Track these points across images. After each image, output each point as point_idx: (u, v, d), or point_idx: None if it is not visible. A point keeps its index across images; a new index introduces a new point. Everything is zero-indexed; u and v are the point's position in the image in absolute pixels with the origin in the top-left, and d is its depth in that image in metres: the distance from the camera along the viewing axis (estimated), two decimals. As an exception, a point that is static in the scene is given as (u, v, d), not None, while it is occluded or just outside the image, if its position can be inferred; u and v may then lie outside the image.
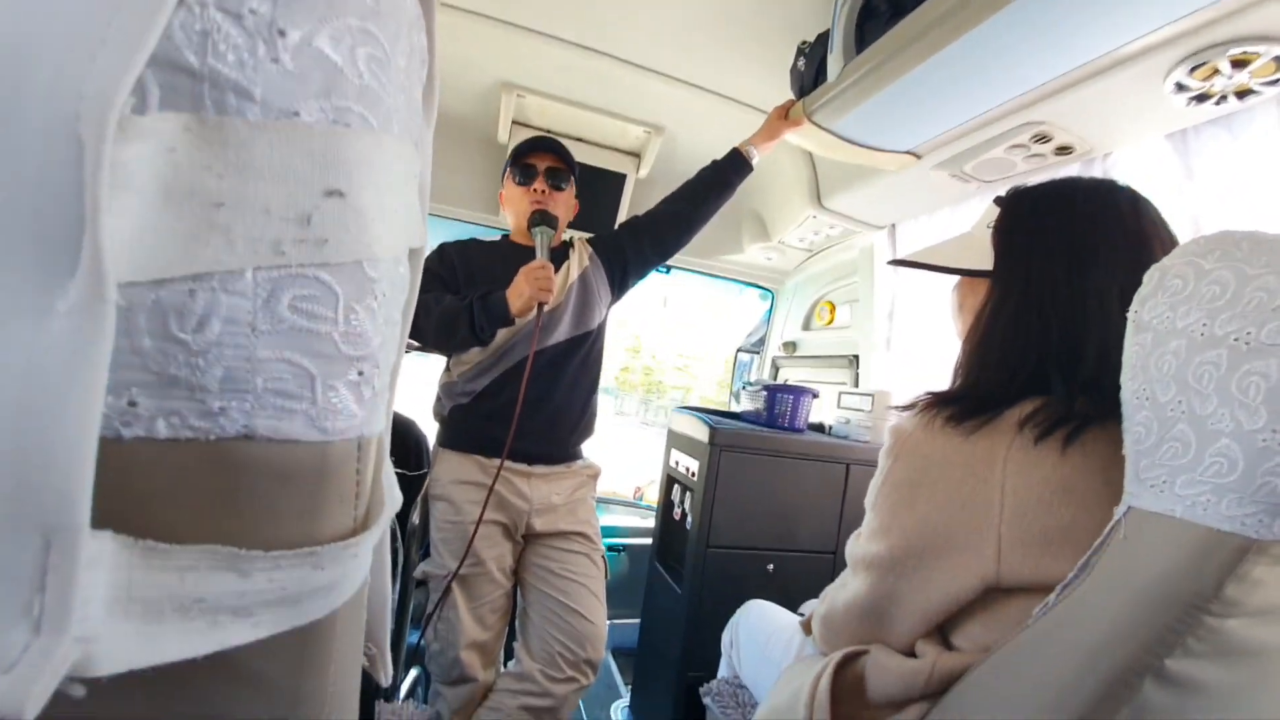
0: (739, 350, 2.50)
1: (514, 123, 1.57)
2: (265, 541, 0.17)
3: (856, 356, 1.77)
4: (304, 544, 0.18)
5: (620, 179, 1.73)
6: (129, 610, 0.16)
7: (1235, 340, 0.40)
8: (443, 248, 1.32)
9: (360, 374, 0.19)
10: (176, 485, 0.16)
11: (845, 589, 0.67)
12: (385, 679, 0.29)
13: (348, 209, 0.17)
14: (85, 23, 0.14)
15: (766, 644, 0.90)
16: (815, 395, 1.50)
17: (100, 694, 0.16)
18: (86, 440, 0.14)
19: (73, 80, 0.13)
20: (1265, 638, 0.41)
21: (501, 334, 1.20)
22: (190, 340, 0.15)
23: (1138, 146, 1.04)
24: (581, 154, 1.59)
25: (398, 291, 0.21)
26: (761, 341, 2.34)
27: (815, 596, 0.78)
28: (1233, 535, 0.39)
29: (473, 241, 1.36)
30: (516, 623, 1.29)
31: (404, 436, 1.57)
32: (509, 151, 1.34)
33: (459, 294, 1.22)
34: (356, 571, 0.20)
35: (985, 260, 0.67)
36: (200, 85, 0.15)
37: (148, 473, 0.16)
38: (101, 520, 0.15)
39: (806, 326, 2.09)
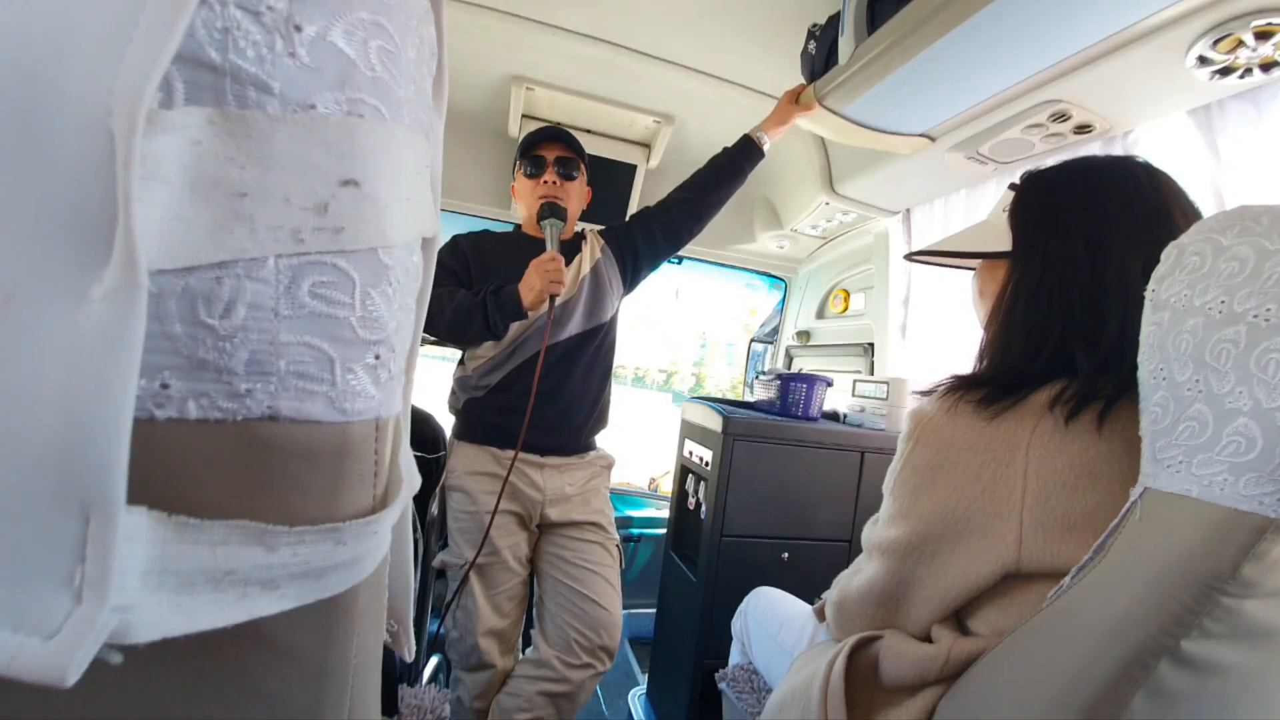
0: (752, 340, 2.49)
1: (524, 116, 1.58)
2: (290, 518, 0.18)
3: (871, 344, 1.76)
4: (326, 520, 0.19)
5: (631, 170, 1.73)
6: (163, 582, 0.17)
7: (1254, 317, 0.39)
8: (455, 240, 1.33)
9: (377, 357, 0.19)
10: (207, 464, 0.17)
11: (860, 574, 0.67)
12: (409, 654, 0.30)
13: (363, 198, 0.18)
14: (114, 22, 0.14)
15: (778, 631, 0.91)
16: (829, 383, 1.49)
17: (138, 662, 0.17)
18: (123, 419, 0.15)
19: (103, 77, 0.14)
20: (1284, 618, 0.40)
21: (515, 328, 1.21)
22: (218, 325, 0.16)
23: (1160, 123, 1.02)
24: (591, 145, 1.59)
25: (411, 279, 0.22)
26: (775, 331, 2.33)
27: (830, 587, 0.78)
28: (1250, 515, 0.38)
29: (485, 233, 1.37)
30: (534, 610, 1.31)
31: (422, 428, 1.60)
32: (518, 144, 1.34)
33: (472, 287, 1.23)
34: (377, 548, 0.21)
35: (1003, 245, 0.67)
36: (222, 80, 0.15)
37: (180, 452, 0.17)
38: (137, 496, 0.16)
39: (820, 315, 2.08)
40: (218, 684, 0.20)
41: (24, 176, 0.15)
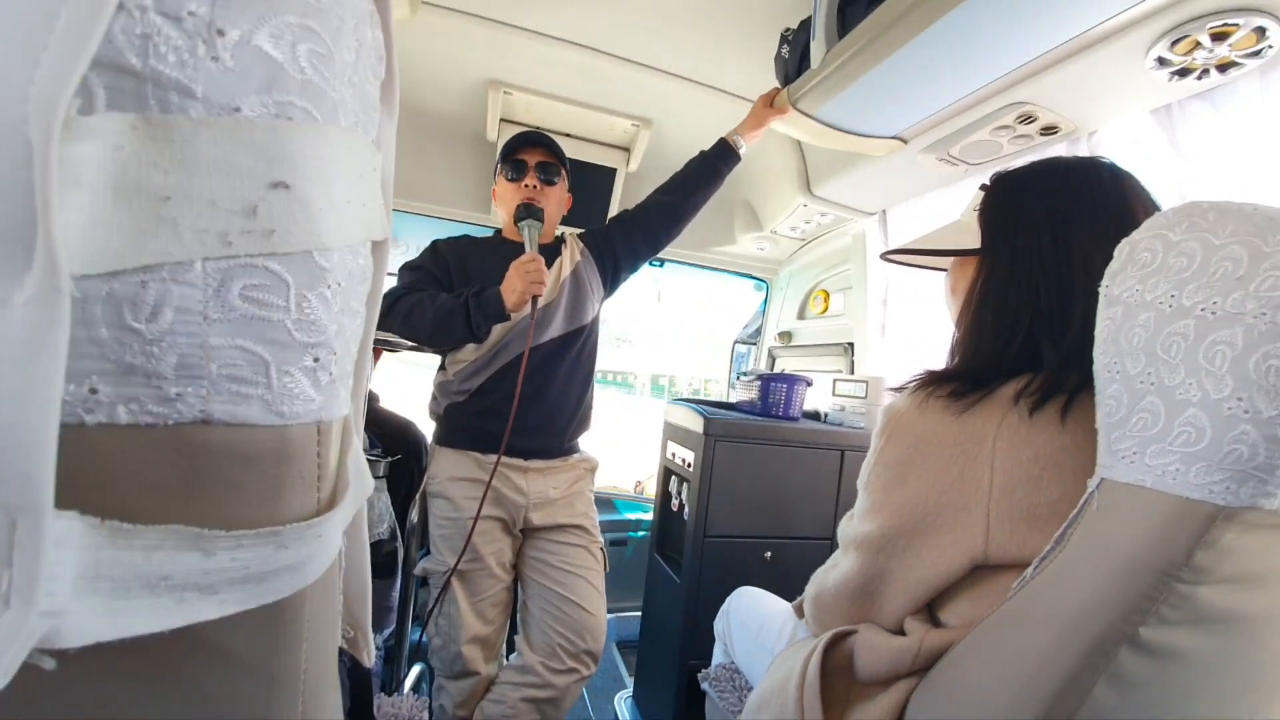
0: (736, 342, 2.50)
1: (502, 120, 1.58)
2: (227, 522, 0.18)
3: (851, 344, 1.78)
4: (266, 524, 0.19)
5: (610, 174, 1.73)
6: (96, 587, 0.17)
7: (1202, 310, 0.40)
8: (435, 245, 1.32)
9: (316, 360, 0.19)
10: (139, 469, 0.17)
11: (836, 569, 0.67)
12: (368, 660, 0.30)
13: (294, 200, 0.18)
14: (27, 30, 0.14)
15: (759, 631, 0.91)
16: (809, 383, 1.51)
17: (74, 668, 0.17)
18: (48, 424, 0.15)
19: (18, 85, 0.14)
20: (1236, 604, 0.41)
21: (496, 331, 1.21)
22: (144, 329, 0.16)
23: (1122, 123, 1.04)
24: (571, 149, 1.59)
25: (356, 281, 0.22)
26: (758, 333, 2.35)
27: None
28: (1201, 503, 0.39)
29: (465, 238, 1.36)
30: (518, 616, 1.30)
31: (404, 436, 1.58)
32: (498, 148, 1.34)
33: (453, 291, 1.22)
34: (323, 552, 0.21)
35: (974, 243, 0.68)
36: (144, 85, 0.15)
37: (112, 457, 0.17)
38: (69, 502, 0.16)
39: (801, 315, 2.09)
40: (161, 689, 0.20)
41: None
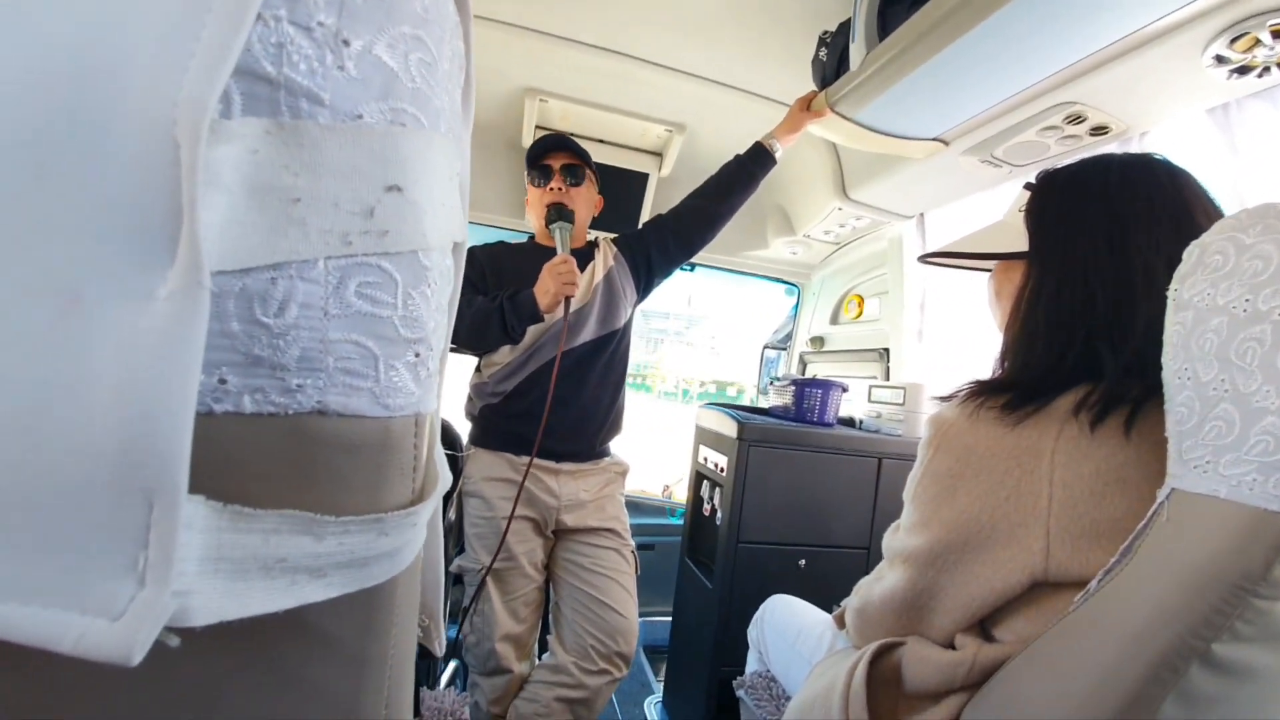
0: (765, 346, 2.48)
1: (537, 126, 1.60)
2: (336, 508, 0.19)
3: (887, 349, 1.75)
4: (370, 511, 0.20)
5: (643, 178, 1.74)
6: (219, 568, 0.18)
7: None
8: (471, 251, 1.35)
9: (417, 355, 0.20)
10: (260, 456, 0.18)
11: (882, 582, 0.66)
12: (439, 649, 0.31)
13: (405, 202, 0.19)
14: (176, 38, 0.15)
15: (796, 639, 0.90)
16: (844, 388, 1.49)
17: (191, 645, 0.18)
18: (186, 412, 0.16)
19: (168, 89, 0.15)
20: (1318, 621, 0.39)
21: (530, 334, 1.22)
22: (272, 323, 0.17)
23: (1176, 123, 1.01)
24: (603, 155, 1.61)
25: (445, 282, 0.23)
26: (788, 338, 2.33)
27: (850, 594, 0.77)
28: (1281, 515, 0.38)
29: (500, 244, 1.38)
30: (550, 616, 1.31)
31: (441, 436, 1.61)
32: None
33: (488, 295, 1.25)
34: (415, 540, 0.22)
35: (1020, 245, 0.66)
36: (277, 92, 0.16)
37: (235, 444, 0.18)
38: (195, 487, 0.17)
39: (834, 321, 2.07)
40: (259, 667, 0.21)
41: (87, 181, 0.15)
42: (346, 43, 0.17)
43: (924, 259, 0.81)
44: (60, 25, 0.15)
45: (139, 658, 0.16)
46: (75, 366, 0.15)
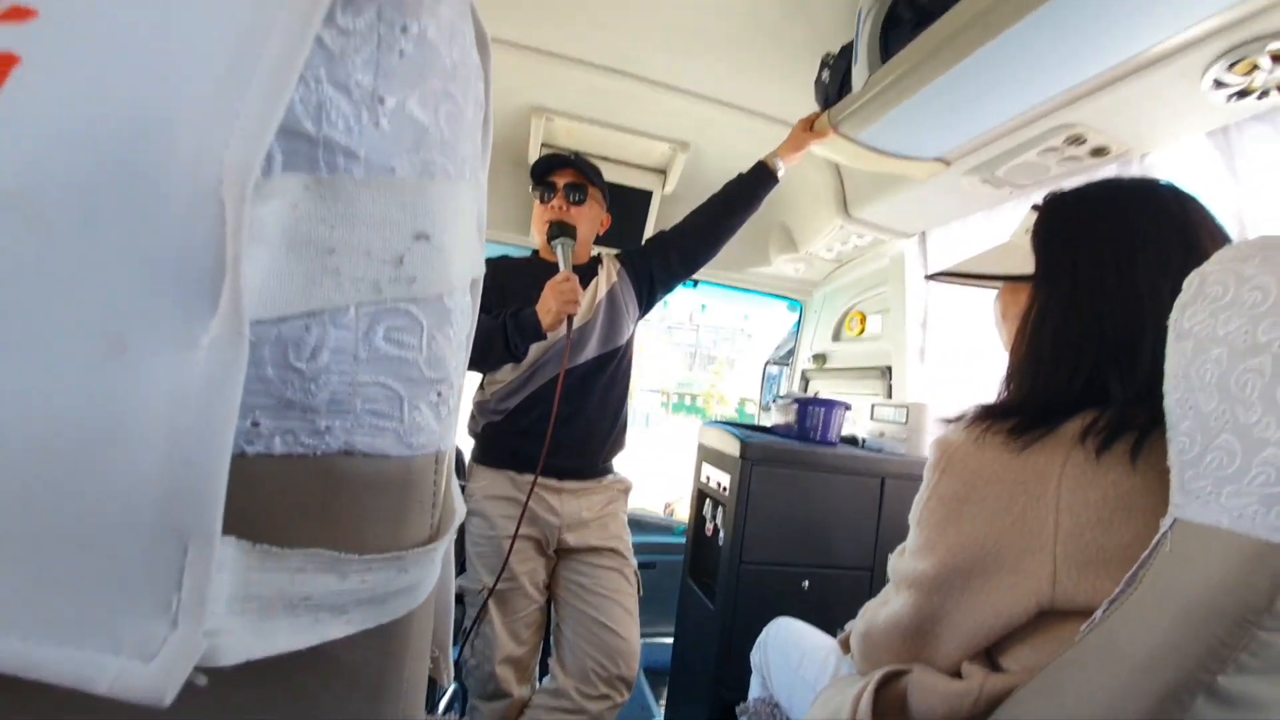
0: (767, 363, 2.49)
1: (543, 145, 1.62)
2: (359, 546, 0.19)
3: (889, 368, 1.75)
4: (391, 548, 0.20)
5: (646, 196, 1.76)
6: (246, 607, 0.18)
7: (1279, 348, 0.39)
8: None
9: (439, 394, 0.21)
10: (288, 495, 0.19)
11: (887, 606, 0.66)
12: (448, 680, 0.31)
13: (432, 249, 0.19)
14: (221, 102, 0.16)
15: (800, 664, 0.89)
16: (848, 407, 1.49)
17: (218, 684, 0.19)
18: (223, 455, 0.16)
19: (213, 148, 0.16)
20: (1324, 653, 0.39)
21: (532, 352, 1.23)
22: (305, 368, 0.18)
23: (1177, 146, 1.02)
24: (608, 173, 1.62)
25: (465, 319, 0.24)
26: (790, 354, 2.33)
27: (854, 616, 0.76)
28: (1284, 547, 0.38)
29: (503, 259, 1.40)
30: (551, 638, 1.30)
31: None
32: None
33: (492, 312, 1.25)
34: (432, 574, 0.22)
35: (1027, 267, 0.66)
36: (315, 149, 0.17)
37: (265, 484, 0.18)
38: (226, 527, 0.18)
39: (836, 338, 2.08)
40: (280, 701, 0.21)
41: (136, 231, 0.16)
42: (382, 100, 0.18)
43: (931, 277, 0.81)
44: (120, 79, 0.16)
45: (171, 698, 0.16)
46: (119, 410, 0.16)
